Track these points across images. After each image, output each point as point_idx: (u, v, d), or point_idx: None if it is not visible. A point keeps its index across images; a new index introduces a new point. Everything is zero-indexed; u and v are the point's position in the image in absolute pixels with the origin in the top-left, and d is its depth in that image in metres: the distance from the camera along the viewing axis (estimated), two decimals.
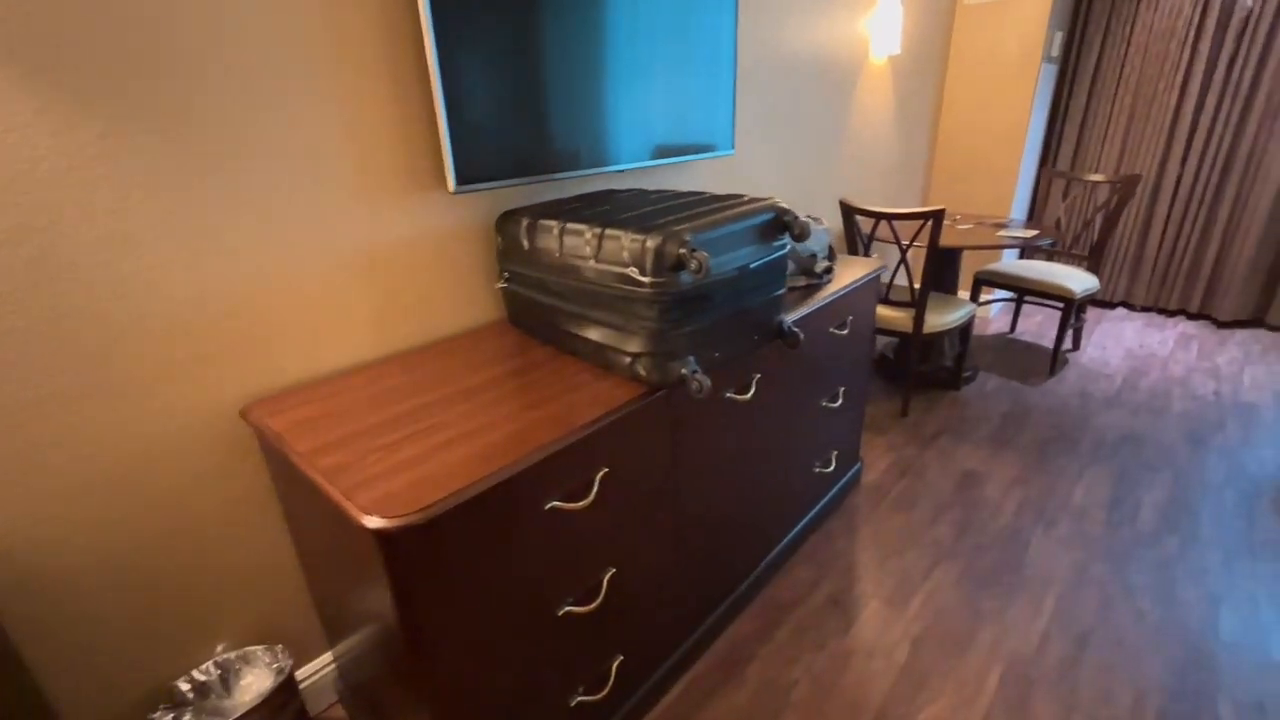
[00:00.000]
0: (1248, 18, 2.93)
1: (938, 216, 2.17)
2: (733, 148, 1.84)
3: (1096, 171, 3.49)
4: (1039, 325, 3.44)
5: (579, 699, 1.14)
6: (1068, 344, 3.15)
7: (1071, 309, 2.74)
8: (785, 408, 1.54)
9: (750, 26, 1.98)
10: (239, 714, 1.05)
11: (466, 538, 0.84)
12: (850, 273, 1.76)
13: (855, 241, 2.45)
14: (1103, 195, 3.45)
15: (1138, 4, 3.17)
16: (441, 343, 1.30)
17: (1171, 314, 3.53)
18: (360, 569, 0.88)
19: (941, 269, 2.77)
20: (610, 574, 1.12)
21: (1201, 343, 3.16)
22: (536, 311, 1.25)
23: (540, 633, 1.01)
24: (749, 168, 2.16)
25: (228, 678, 1.16)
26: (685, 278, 0.97)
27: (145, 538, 1.04)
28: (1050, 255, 3.32)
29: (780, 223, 1.12)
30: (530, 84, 1.24)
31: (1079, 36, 3.36)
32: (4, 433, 0.88)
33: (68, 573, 0.98)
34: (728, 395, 1.29)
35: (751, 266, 1.09)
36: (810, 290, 1.61)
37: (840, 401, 1.80)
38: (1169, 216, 3.36)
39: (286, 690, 1.14)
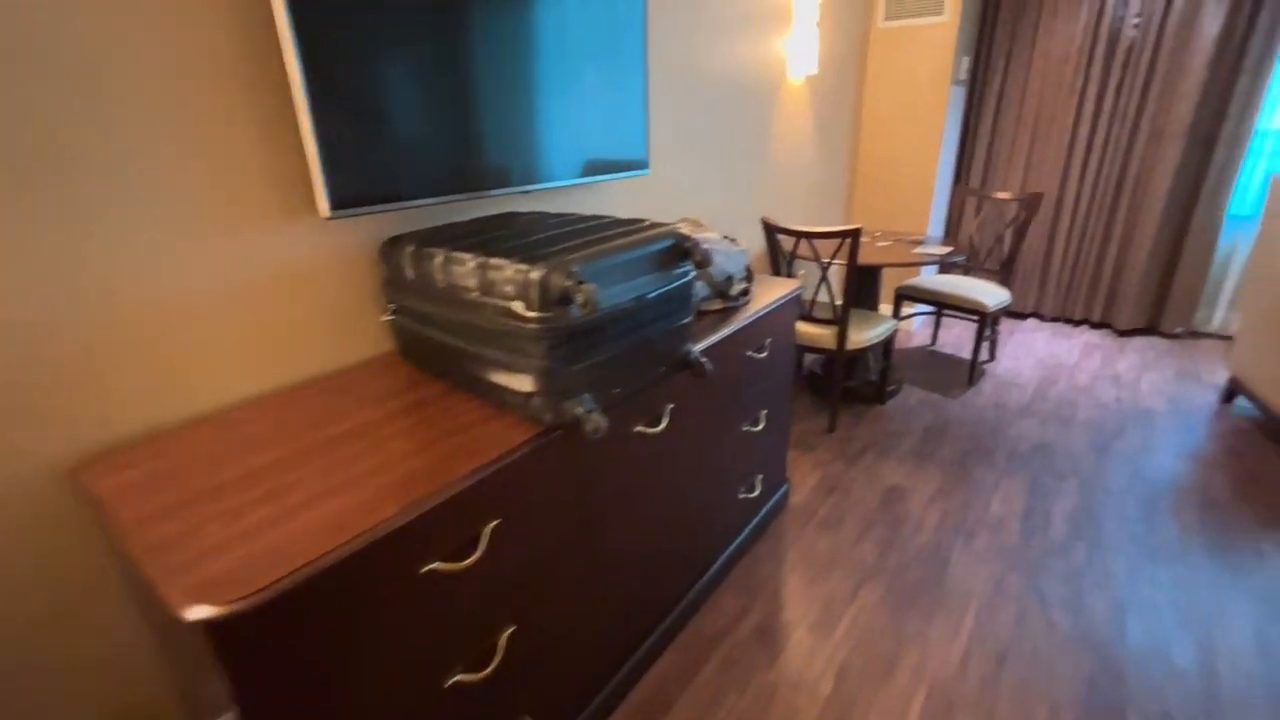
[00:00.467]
0: (1131, 47, 3.14)
1: (854, 235, 2.19)
2: (648, 167, 1.79)
3: (1005, 189, 3.66)
4: (958, 337, 3.56)
5: None
6: (984, 355, 3.26)
7: (986, 322, 2.83)
8: (703, 436, 1.49)
9: (665, 46, 1.95)
10: None
11: (322, 616, 0.73)
12: (769, 293, 1.74)
13: (778, 260, 2.45)
14: (1011, 212, 3.62)
15: (1035, 31, 3.36)
16: (319, 381, 1.18)
17: (1077, 324, 3.72)
18: (201, 660, 0.76)
19: (863, 286, 2.82)
20: (509, 632, 1.02)
21: (1104, 351, 3.34)
22: (426, 345, 1.15)
23: (426, 708, 0.91)
24: (668, 187, 2.12)
25: None
26: (574, 311, 0.90)
27: None
28: (966, 270, 3.45)
29: (680, 250, 1.07)
30: (419, 99, 1.15)
31: (984, 61, 3.52)
32: None
33: None
34: (637, 430, 1.22)
35: (650, 296, 1.03)
36: (727, 313, 1.58)
37: (763, 425, 1.77)
38: (1070, 232, 3.56)
39: None
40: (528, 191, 1.45)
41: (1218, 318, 3.46)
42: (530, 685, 1.11)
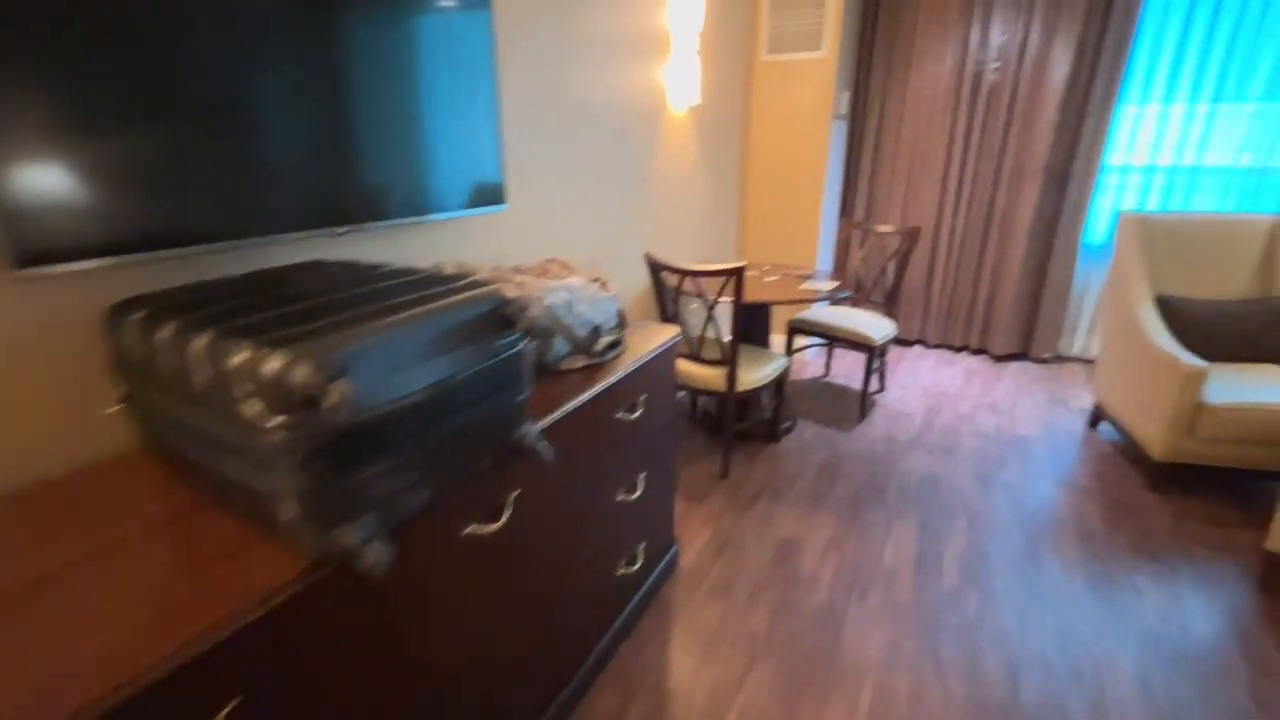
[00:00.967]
0: (993, 89, 3.31)
1: (739, 274, 2.08)
2: (505, 202, 1.58)
3: (887, 223, 3.76)
4: (850, 366, 3.58)
5: None
6: (875, 386, 3.28)
7: (874, 355, 2.82)
8: (564, 518, 1.28)
9: (528, 70, 1.76)
10: None
11: None
12: (646, 342, 1.57)
13: (664, 298, 2.31)
14: (893, 245, 3.71)
15: (908, 70, 3.48)
16: (18, 496, 0.87)
17: (958, 350, 3.86)
18: None
19: (754, 321, 2.74)
20: None
21: (983, 377, 3.45)
22: (170, 445, 0.87)
23: None
24: (533, 224, 1.92)
25: None
26: (335, 414, 0.67)
27: None
28: (855, 302, 3.48)
29: (503, 316, 0.87)
30: (160, 112, 0.88)
31: (863, 97, 3.61)
32: None
33: None
34: (468, 531, 0.99)
35: (460, 378, 0.82)
36: (593, 371, 1.38)
37: (641, 490, 1.58)
38: (948, 263, 3.69)
39: None
40: (339, 235, 1.20)
41: (1079, 343, 3.68)
42: None
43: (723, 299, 2.21)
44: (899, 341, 4.00)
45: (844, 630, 1.66)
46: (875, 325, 2.85)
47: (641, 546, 1.65)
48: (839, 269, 3.57)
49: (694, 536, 2.06)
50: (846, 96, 3.42)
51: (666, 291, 2.28)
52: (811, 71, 3.18)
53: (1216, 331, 2.46)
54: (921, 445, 2.68)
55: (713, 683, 1.51)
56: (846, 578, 1.86)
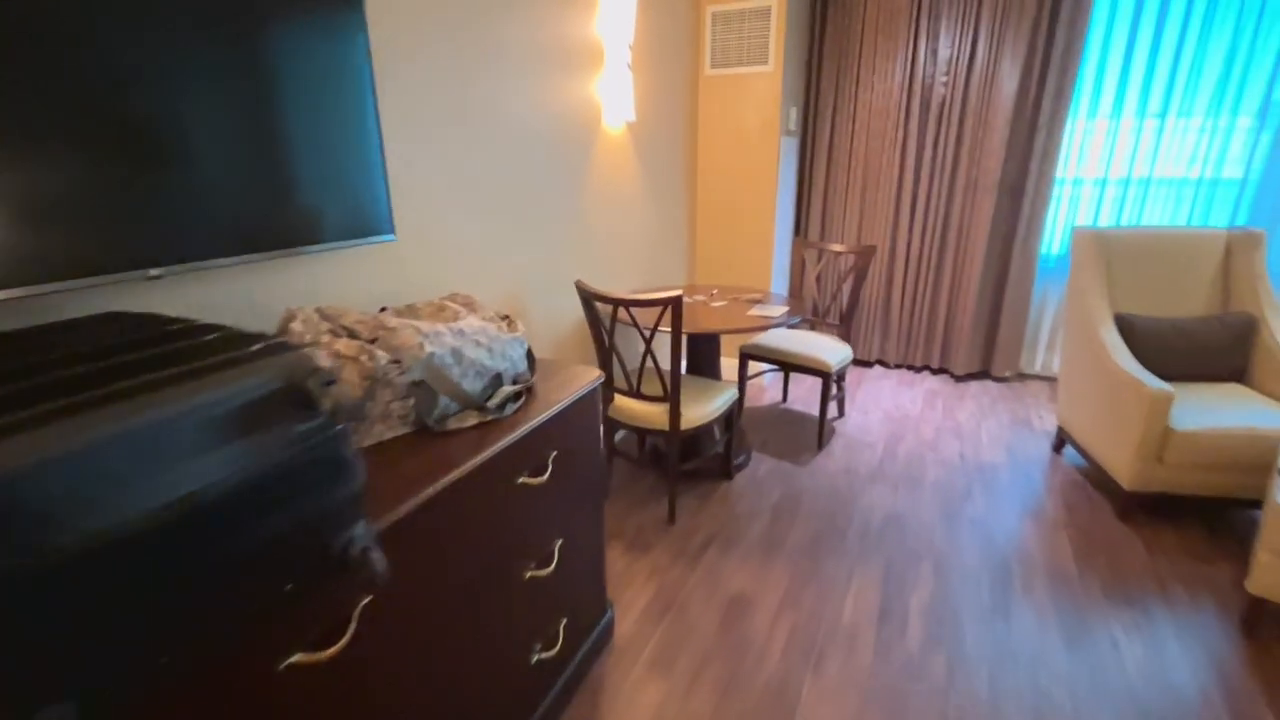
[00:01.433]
0: (943, 103, 3.23)
1: (676, 304, 1.89)
2: (392, 233, 1.37)
3: (842, 241, 3.64)
4: (809, 391, 3.42)
5: None
6: (834, 412, 3.12)
7: (830, 381, 2.66)
8: (446, 614, 1.05)
9: (426, 86, 1.56)
10: None
11: None
12: (560, 388, 1.36)
13: (599, 329, 2.11)
14: (847, 264, 3.59)
15: (856, 85, 3.38)
16: None
17: (919, 370, 3.74)
18: None
19: (702, 350, 2.56)
20: None
21: (945, 398, 3.33)
22: None
23: None
24: (436, 255, 1.69)
25: None
26: None
27: None
28: (812, 324, 3.33)
29: (300, 394, 0.65)
30: None
31: (813, 113, 3.51)
32: None
33: None
34: (290, 662, 0.76)
35: (231, 484, 0.59)
36: (487, 429, 1.17)
37: (556, 563, 1.36)
38: (905, 282, 3.58)
39: None
40: (153, 278, 0.97)
41: (1040, 360, 3.60)
42: None
43: (661, 329, 2.02)
44: (859, 363, 3.87)
45: (799, 712, 1.46)
46: (831, 350, 2.69)
47: (563, 624, 1.43)
48: (793, 289, 3.43)
49: (635, 597, 1.85)
50: (795, 112, 3.30)
51: (601, 323, 2.09)
52: (758, 86, 3.05)
53: (1175, 349, 2.36)
54: (883, 478, 2.51)
55: None
56: (802, 642, 1.66)
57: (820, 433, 2.78)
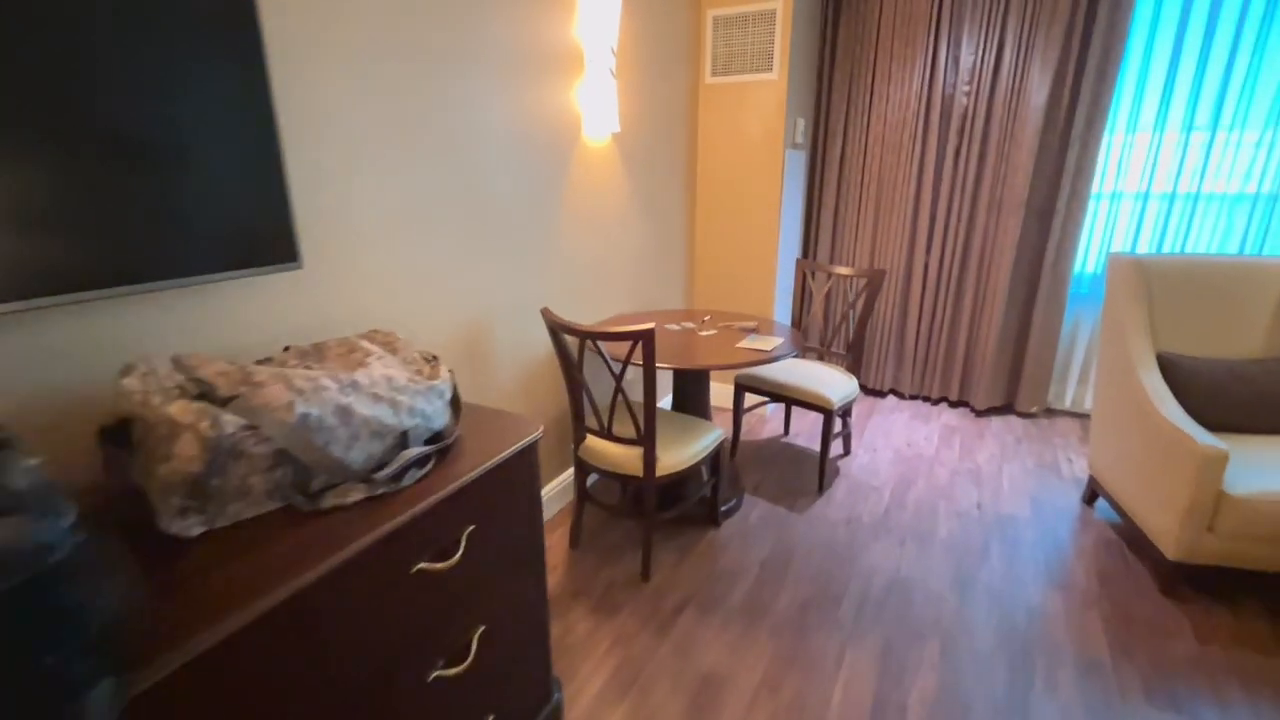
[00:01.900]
0: (966, 115, 2.97)
1: (647, 338, 1.67)
2: (296, 260, 1.17)
3: (853, 263, 3.38)
4: (813, 424, 3.16)
5: None
6: (839, 449, 2.86)
7: (832, 418, 2.41)
8: None
9: (351, 85, 1.37)
10: None
11: None
12: (486, 446, 1.14)
13: (568, 363, 1.89)
14: (856, 289, 3.33)
15: (870, 94, 3.14)
16: None
17: (935, 402, 3.45)
18: None
19: (686, 383, 2.33)
20: None
21: (963, 435, 3.04)
22: None
23: None
24: (355, 285, 1.45)
25: None
26: None
27: None
28: (821, 354, 3.08)
29: None
30: None
31: (824, 125, 3.27)
32: None
33: None
34: None
35: None
36: (376, 504, 0.96)
37: (473, 656, 1.14)
38: (922, 307, 3.31)
39: None
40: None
41: (1070, 394, 3.29)
42: None
43: (634, 363, 1.80)
44: (871, 392, 3.59)
45: None
46: (834, 384, 2.44)
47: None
48: (798, 315, 3.18)
49: (592, 673, 1.62)
50: (803, 123, 3.06)
51: (570, 355, 1.87)
52: (762, 95, 2.83)
53: (1230, 396, 2.06)
54: (889, 530, 2.25)
55: None
56: None
57: (821, 474, 2.52)
